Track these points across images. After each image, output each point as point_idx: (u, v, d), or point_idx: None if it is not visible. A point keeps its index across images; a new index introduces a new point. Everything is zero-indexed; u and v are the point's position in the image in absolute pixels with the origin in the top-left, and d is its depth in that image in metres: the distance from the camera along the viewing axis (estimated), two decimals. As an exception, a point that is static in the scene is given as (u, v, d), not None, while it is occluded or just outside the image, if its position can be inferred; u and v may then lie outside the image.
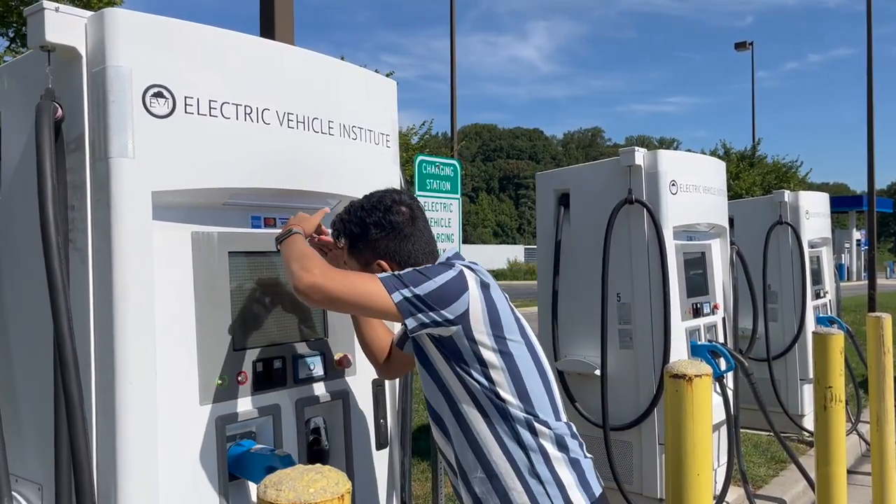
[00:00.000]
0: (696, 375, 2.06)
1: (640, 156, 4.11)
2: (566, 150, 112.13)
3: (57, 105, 1.76)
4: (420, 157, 3.36)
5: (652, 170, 4.10)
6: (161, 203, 1.83)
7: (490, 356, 1.82)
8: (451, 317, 1.79)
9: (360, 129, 2.32)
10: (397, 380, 2.45)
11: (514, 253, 57.23)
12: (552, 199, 4.51)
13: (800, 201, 6.33)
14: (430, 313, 1.78)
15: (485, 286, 1.87)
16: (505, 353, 1.83)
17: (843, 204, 41.67)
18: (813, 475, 4.48)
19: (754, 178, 29.66)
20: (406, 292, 1.77)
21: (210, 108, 1.90)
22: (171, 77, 1.83)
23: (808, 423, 6.49)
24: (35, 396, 1.90)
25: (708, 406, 2.08)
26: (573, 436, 1.92)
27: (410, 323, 1.79)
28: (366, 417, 2.36)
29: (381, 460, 2.41)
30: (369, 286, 1.78)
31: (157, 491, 1.78)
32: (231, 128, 1.95)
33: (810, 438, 6.33)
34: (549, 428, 1.86)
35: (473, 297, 1.82)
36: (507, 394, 1.83)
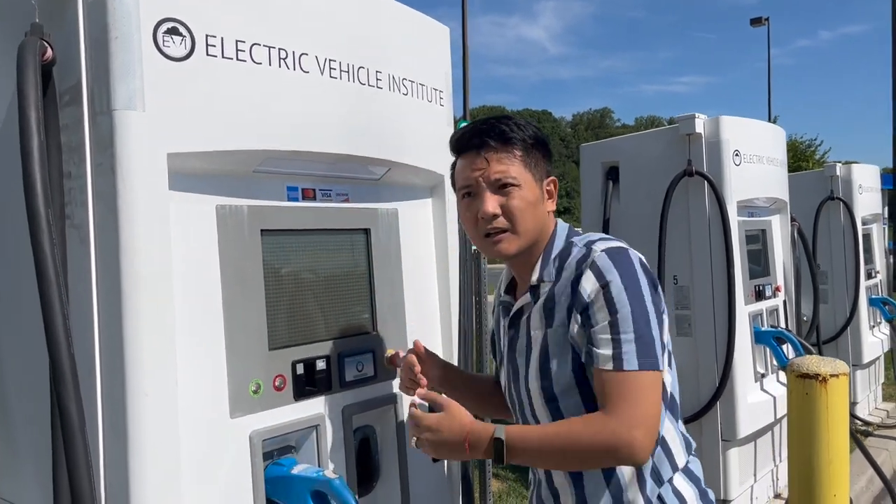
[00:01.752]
0: (831, 375, 1.69)
1: (701, 123, 3.71)
2: (575, 132, 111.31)
3: (45, 44, 1.38)
4: (463, 125, 2.97)
5: (713, 139, 3.71)
6: (179, 169, 1.46)
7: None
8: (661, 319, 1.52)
9: (412, 82, 1.94)
10: (456, 379, 2.09)
11: (524, 235, 56.73)
12: (599, 172, 4.12)
13: (852, 175, 5.92)
14: (665, 328, 1.52)
15: None
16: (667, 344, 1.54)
17: (860, 182, 40.97)
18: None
19: (772, 157, 29.13)
20: (658, 347, 1.44)
21: (238, 50, 1.53)
22: (189, 10, 1.45)
23: (860, 410, 6.12)
24: (31, 414, 1.54)
25: (845, 412, 1.71)
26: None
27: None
28: (421, 424, 2.00)
29: (438, 472, 2.06)
30: (650, 382, 1.41)
31: (180, 525, 1.43)
32: (263, 76, 1.57)
33: (864, 428, 5.97)
34: (689, 447, 1.62)
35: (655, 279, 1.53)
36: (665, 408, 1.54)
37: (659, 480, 1.52)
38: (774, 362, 3.97)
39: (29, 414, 1.55)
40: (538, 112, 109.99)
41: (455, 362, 2.09)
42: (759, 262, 4.17)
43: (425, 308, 2.07)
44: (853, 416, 6.00)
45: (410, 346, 1.96)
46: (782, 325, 4.25)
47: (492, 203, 1.53)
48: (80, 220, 1.41)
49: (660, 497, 1.51)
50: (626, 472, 1.51)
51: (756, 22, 35.03)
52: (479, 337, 3.19)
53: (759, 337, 3.92)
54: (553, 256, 1.58)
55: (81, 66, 1.40)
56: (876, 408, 6.43)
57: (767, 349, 3.95)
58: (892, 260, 6.78)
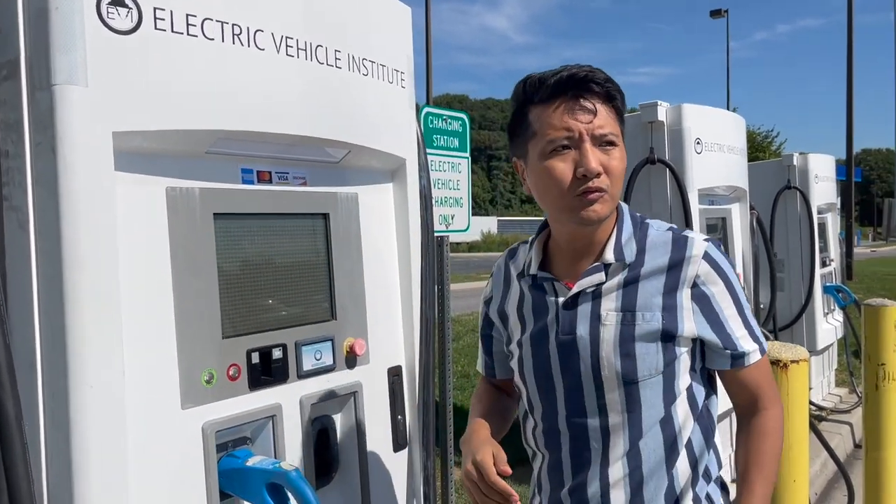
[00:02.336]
0: (792, 361, 1.70)
1: (664, 111, 3.72)
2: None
3: (-21, 13, 1.30)
4: (426, 109, 2.93)
5: (675, 126, 3.72)
6: (125, 148, 1.39)
7: None
8: None
9: (372, 62, 1.88)
10: (416, 368, 2.05)
11: (487, 224, 57.03)
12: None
13: (809, 165, 6.02)
14: None
15: None
16: None
17: (814, 173, 41.95)
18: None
19: (730, 147, 29.65)
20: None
21: (188, 24, 1.46)
22: (135, -20, 1.38)
23: (814, 396, 6.25)
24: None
25: (804, 397, 1.72)
26: None
27: None
28: (381, 414, 1.97)
29: (399, 463, 2.02)
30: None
31: (128, 522, 1.37)
32: (215, 51, 1.50)
33: (818, 413, 6.10)
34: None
35: None
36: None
37: (708, 478, 1.51)
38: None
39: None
40: (502, 101, 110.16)
41: (416, 352, 2.05)
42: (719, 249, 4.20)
43: (386, 296, 2.02)
44: (809, 402, 6.13)
45: (371, 334, 1.92)
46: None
47: (595, 159, 1.37)
48: (18, 203, 1.34)
49: (708, 496, 1.50)
50: (682, 473, 1.47)
51: (716, 14, 35.55)
52: (440, 325, 3.16)
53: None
54: (628, 235, 1.47)
55: (20, 38, 1.31)
56: (830, 393, 6.58)
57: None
58: (845, 249, 6.91)
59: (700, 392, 1.49)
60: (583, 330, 1.44)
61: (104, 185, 1.34)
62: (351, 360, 1.88)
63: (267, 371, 1.67)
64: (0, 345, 1.14)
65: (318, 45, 1.72)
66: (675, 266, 1.42)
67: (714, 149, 3.89)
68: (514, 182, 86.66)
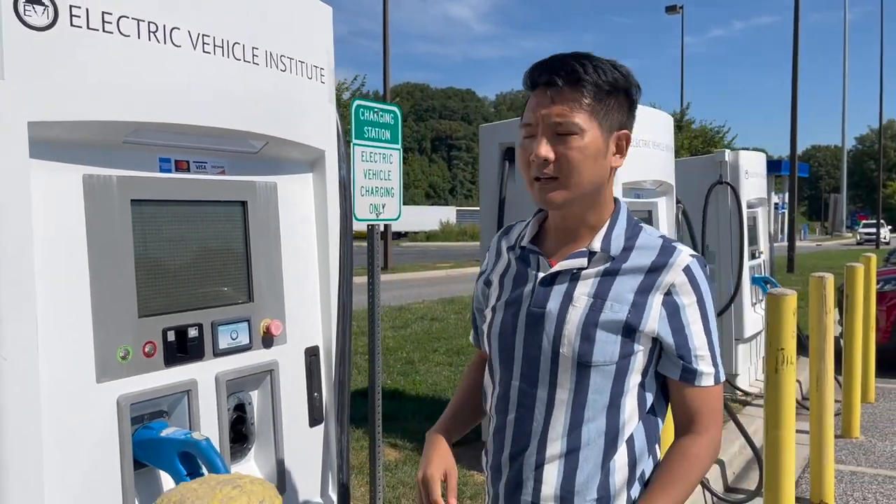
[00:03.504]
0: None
1: (591, 107, 3.88)
2: (498, 112, 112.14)
3: None
4: (357, 102, 3.03)
5: (602, 123, 3.89)
6: (42, 137, 1.48)
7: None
8: None
9: (290, 59, 1.99)
10: (333, 348, 2.17)
11: (446, 214, 57.21)
12: (497, 153, 4.26)
13: (740, 161, 6.29)
14: None
15: None
16: None
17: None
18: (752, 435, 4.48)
19: (682, 142, 30.25)
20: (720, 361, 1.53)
21: (104, 21, 1.55)
22: (52, -21, 1.46)
23: (741, 382, 6.56)
24: None
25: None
26: None
27: None
28: (298, 391, 2.08)
29: (315, 438, 2.15)
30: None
31: (41, 484, 1.47)
32: (131, 48, 1.60)
33: (743, 398, 6.40)
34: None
35: None
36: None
37: (643, 482, 1.54)
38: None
39: None
40: (462, 91, 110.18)
41: (333, 336, 2.17)
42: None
43: (304, 280, 2.14)
44: (735, 387, 6.42)
45: (289, 316, 2.04)
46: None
47: (545, 147, 1.43)
48: (-64, 186, 1.42)
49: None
50: (619, 468, 1.51)
51: (671, 10, 36.10)
52: (370, 311, 3.28)
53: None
54: (619, 231, 1.52)
55: (-63, 31, 1.39)
56: (756, 379, 6.89)
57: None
58: (787, 242, 7.23)
59: (650, 394, 1.52)
60: (553, 306, 1.50)
61: (18, 171, 1.43)
62: (267, 339, 1.99)
63: (183, 349, 1.78)
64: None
65: (234, 43, 1.82)
66: (656, 270, 1.47)
67: (639, 144, 4.07)
68: (474, 172, 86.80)
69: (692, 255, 1.49)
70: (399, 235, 48.01)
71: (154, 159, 1.76)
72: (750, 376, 6.78)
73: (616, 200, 1.58)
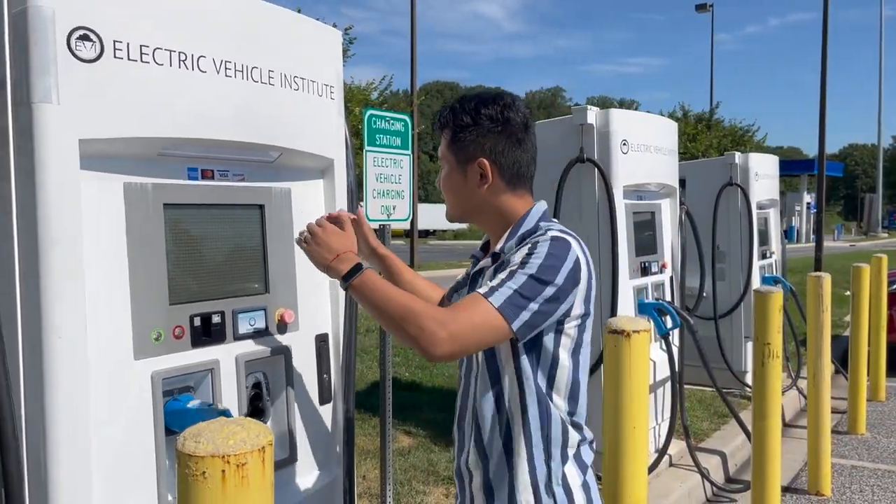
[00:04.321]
0: (634, 331, 2.09)
1: (593, 115, 4.11)
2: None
3: (-25, 46, 1.66)
4: (369, 112, 3.30)
5: (604, 129, 4.11)
6: (90, 152, 1.76)
7: (564, 349, 1.72)
8: (559, 316, 1.66)
9: (303, 79, 2.26)
10: (341, 335, 2.44)
11: (473, 212, 57.12)
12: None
13: (749, 163, 6.44)
14: (544, 323, 1.65)
15: (586, 255, 1.75)
16: (581, 342, 1.75)
17: (794, 167, 42.61)
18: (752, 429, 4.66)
19: (710, 141, 30.13)
20: (526, 315, 1.59)
21: (141, 53, 1.83)
22: (99, 19, 1.74)
23: (751, 379, 6.70)
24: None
25: (645, 361, 2.12)
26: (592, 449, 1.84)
27: (525, 336, 1.64)
28: (309, 373, 2.35)
29: (325, 414, 2.41)
30: (492, 318, 1.59)
31: (89, 446, 1.75)
32: (164, 74, 1.87)
33: (750, 393, 6.55)
34: (582, 436, 1.78)
35: (582, 285, 1.69)
36: (560, 398, 1.73)
37: (548, 463, 1.72)
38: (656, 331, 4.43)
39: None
40: (491, 89, 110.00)
41: (340, 325, 2.43)
42: (648, 241, 4.62)
43: (314, 274, 2.39)
44: (743, 383, 6.58)
45: (301, 306, 2.31)
46: (668, 298, 4.72)
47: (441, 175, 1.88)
48: (4, 192, 1.70)
49: (548, 484, 1.71)
50: (523, 460, 1.71)
51: (701, 8, 35.89)
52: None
53: (642, 308, 4.37)
54: (520, 234, 1.74)
55: (6, 64, 1.68)
56: (767, 377, 7.02)
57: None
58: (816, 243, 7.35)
59: (530, 365, 1.70)
60: (461, 288, 1.87)
61: (70, 180, 1.71)
62: (282, 326, 2.26)
63: (207, 332, 2.06)
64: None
65: (253, 67, 2.09)
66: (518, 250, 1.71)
67: (641, 149, 4.28)
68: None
69: (553, 236, 1.68)
70: (427, 234, 48.29)
71: (183, 169, 2.03)
72: (760, 374, 6.92)
73: (528, 212, 1.79)
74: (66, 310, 1.71)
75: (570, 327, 1.71)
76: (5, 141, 1.70)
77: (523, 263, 1.63)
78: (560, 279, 1.63)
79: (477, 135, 1.75)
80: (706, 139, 30.19)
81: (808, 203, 42.49)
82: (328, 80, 2.37)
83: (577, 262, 1.68)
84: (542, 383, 1.72)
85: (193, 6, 1.96)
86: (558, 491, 1.72)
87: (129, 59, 1.80)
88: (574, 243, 1.71)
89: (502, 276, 1.64)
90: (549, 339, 1.70)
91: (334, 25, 2.57)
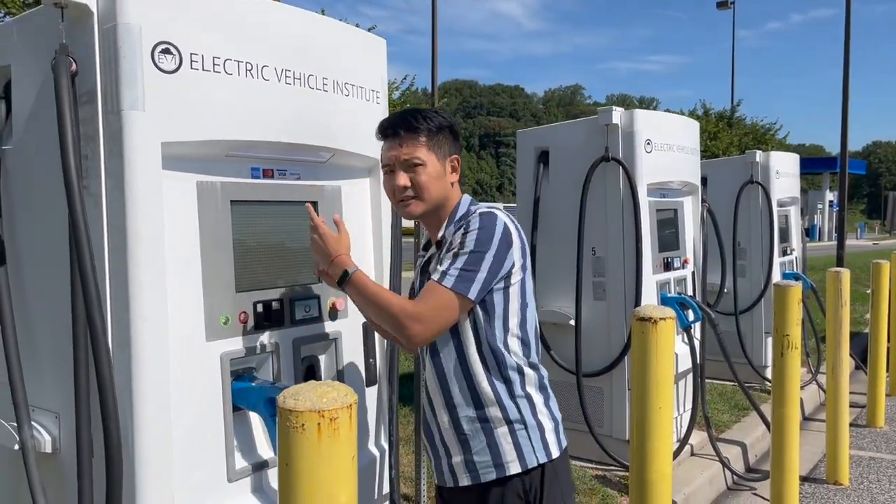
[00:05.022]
0: (661, 318, 2.26)
1: (618, 115, 4.26)
2: (546, 108, 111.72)
3: (71, 59, 1.87)
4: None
5: (628, 129, 4.27)
6: (169, 154, 1.96)
7: (512, 296, 2.03)
8: (505, 272, 1.99)
9: (353, 85, 2.45)
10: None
11: (492, 211, 57.25)
12: (532, 156, 4.67)
13: (770, 161, 6.55)
14: (493, 282, 1.97)
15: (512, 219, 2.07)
16: (523, 290, 2.05)
17: (817, 165, 42.28)
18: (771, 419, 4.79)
19: (732, 139, 30.00)
20: (477, 284, 1.94)
21: (214, 64, 2.02)
22: (178, 34, 1.94)
23: (770, 373, 6.81)
24: (52, 333, 2.05)
25: (670, 347, 2.28)
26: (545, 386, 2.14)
27: (478, 298, 1.96)
28: (356, 357, 2.54)
29: (371, 396, 2.60)
30: (449, 300, 1.94)
31: (169, 418, 1.95)
32: (233, 83, 2.07)
33: (770, 387, 6.66)
34: (537, 372, 2.09)
35: (516, 244, 2.01)
36: (512, 337, 2.04)
37: (510, 390, 2.03)
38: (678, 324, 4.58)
39: (52, 331, 2.05)
40: (510, 87, 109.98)
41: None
42: (670, 237, 4.77)
43: (362, 265, 2.58)
44: (764, 378, 6.70)
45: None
46: (689, 293, 4.87)
47: (403, 178, 2.06)
48: (95, 190, 1.91)
49: (510, 395, 2.03)
50: (477, 372, 2.02)
51: (722, 5, 35.70)
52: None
53: (664, 302, 4.52)
54: (456, 219, 2.09)
55: (97, 76, 1.88)
56: (787, 372, 7.12)
57: (672, 313, 4.56)
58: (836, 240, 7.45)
59: (478, 316, 2.00)
60: (421, 282, 2.17)
61: (154, 179, 1.91)
62: (333, 314, 2.46)
63: (268, 318, 2.25)
64: (92, 283, 1.72)
65: (310, 75, 2.28)
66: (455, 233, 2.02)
67: (664, 148, 4.43)
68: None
69: (480, 213, 2.02)
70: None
71: (247, 168, 2.23)
72: (780, 369, 7.02)
73: (460, 201, 2.15)
74: (150, 295, 1.91)
75: (515, 280, 2.03)
76: (96, 145, 1.90)
77: (462, 244, 1.97)
78: (494, 245, 1.96)
79: (444, 136, 2.10)
80: (727, 137, 30.06)
81: (831, 201, 42.13)
82: (374, 86, 2.55)
83: (505, 227, 2.00)
84: (498, 332, 2.02)
85: (258, 19, 2.15)
86: (521, 401, 2.03)
87: (203, 69, 2.00)
88: (500, 214, 2.03)
89: (448, 260, 1.97)
90: (498, 294, 2.01)
91: (357, 26, 2.74)
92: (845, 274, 4.56)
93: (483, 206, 2.11)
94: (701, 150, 4.90)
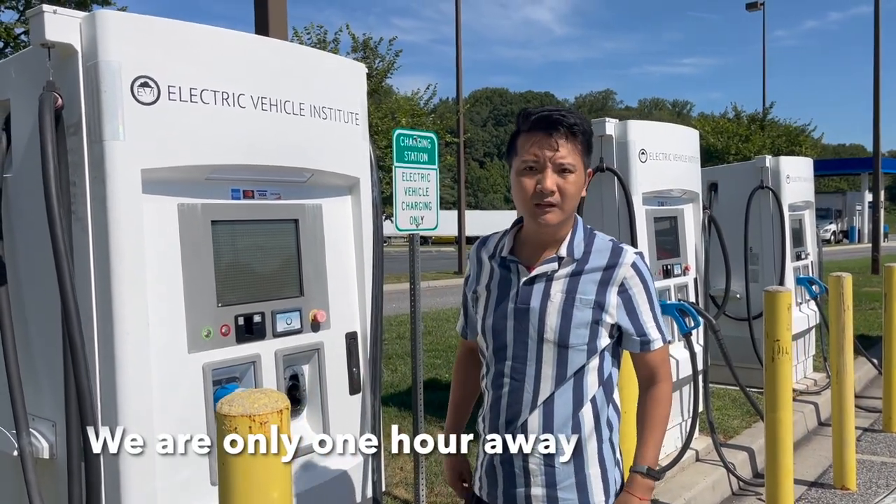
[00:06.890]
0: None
1: (611, 126, 4.34)
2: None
3: (57, 95, 2.03)
4: (398, 132, 3.61)
5: (622, 139, 4.34)
6: (150, 179, 2.11)
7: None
8: None
9: (330, 108, 2.58)
10: (368, 333, 2.75)
11: (509, 220, 57.08)
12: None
13: (780, 166, 6.53)
14: None
15: None
16: None
17: (854, 165, 41.43)
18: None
19: (764, 142, 29.59)
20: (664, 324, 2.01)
21: (191, 94, 2.17)
22: (156, 68, 2.10)
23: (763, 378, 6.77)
24: (48, 347, 2.21)
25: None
26: None
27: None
28: (340, 367, 2.67)
29: (354, 403, 2.72)
30: (668, 352, 2.02)
31: (152, 426, 2.09)
32: (211, 111, 2.22)
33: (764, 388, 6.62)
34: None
35: None
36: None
37: (610, 427, 1.98)
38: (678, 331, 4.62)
39: (47, 347, 2.21)
40: (540, 94, 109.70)
41: (368, 323, 2.74)
42: (670, 245, 4.81)
43: (344, 280, 2.72)
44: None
45: (332, 306, 2.62)
46: (692, 299, 4.91)
47: (552, 181, 1.84)
48: (81, 214, 2.07)
49: (609, 440, 1.98)
50: (587, 418, 1.93)
51: (752, 7, 35.27)
52: (412, 312, 3.84)
53: (664, 309, 4.56)
54: (579, 239, 1.95)
55: (81, 109, 2.05)
56: (805, 376, 7.08)
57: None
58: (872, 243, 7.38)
59: (608, 364, 1.96)
60: (535, 303, 1.91)
61: (135, 202, 2.07)
62: (315, 325, 2.59)
63: (250, 330, 2.39)
64: (71, 302, 1.87)
65: (286, 101, 2.42)
66: (611, 267, 1.90)
67: (660, 157, 4.49)
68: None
69: (636, 253, 1.94)
70: (474, 241, 48.36)
71: (227, 190, 2.38)
72: (798, 374, 6.98)
73: (575, 216, 1.99)
74: (131, 310, 2.06)
75: None
76: (82, 172, 2.07)
77: (646, 288, 1.94)
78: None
79: (589, 148, 1.94)
80: (759, 140, 29.66)
81: (870, 202, 41.24)
82: (353, 108, 2.69)
83: None
84: (611, 368, 2.00)
85: (234, 52, 2.30)
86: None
87: (181, 100, 2.15)
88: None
89: (650, 323, 1.95)
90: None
91: (381, 39, 2.82)
92: (847, 279, 4.56)
93: (606, 236, 2.02)
94: (732, 153, 4.94)
